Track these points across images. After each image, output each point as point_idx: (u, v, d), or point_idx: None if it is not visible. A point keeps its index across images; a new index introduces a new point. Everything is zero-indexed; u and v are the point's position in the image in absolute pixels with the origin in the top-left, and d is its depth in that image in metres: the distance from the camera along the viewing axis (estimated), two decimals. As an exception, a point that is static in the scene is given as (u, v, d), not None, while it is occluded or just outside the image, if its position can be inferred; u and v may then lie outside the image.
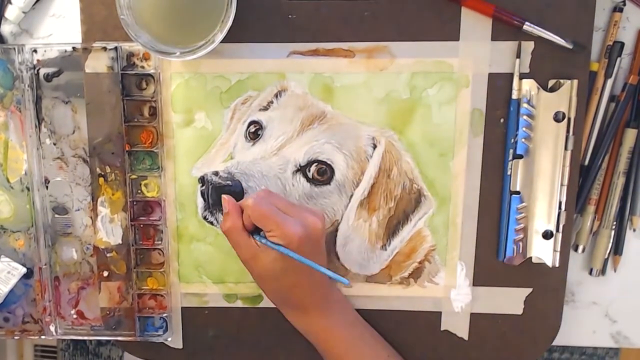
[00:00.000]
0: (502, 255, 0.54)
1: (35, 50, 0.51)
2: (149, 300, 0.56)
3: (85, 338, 0.58)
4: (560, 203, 0.52)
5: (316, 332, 0.52)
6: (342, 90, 0.52)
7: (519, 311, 0.56)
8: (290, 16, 0.51)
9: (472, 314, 0.56)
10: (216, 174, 0.53)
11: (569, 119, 0.51)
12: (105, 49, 0.51)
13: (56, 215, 0.55)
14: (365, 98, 0.52)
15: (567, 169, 0.52)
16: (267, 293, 0.52)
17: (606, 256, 0.56)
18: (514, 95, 0.51)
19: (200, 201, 0.54)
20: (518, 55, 0.50)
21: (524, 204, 0.53)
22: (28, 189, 0.54)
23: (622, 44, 0.52)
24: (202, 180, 0.53)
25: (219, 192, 0.53)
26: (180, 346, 0.58)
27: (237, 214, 0.48)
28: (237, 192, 0.53)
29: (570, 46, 0.49)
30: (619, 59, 0.52)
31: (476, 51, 0.51)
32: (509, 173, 0.52)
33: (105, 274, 0.55)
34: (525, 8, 0.50)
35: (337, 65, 0.52)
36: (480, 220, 0.54)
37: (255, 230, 0.49)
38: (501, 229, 0.53)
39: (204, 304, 0.57)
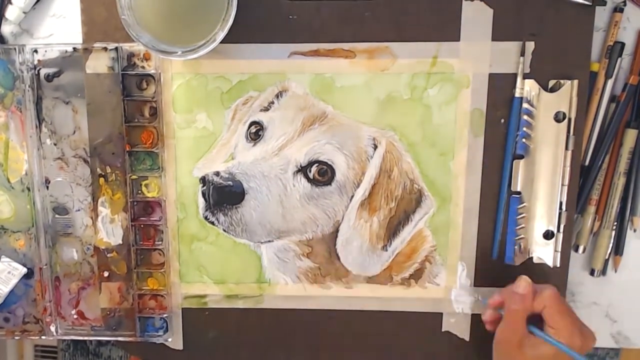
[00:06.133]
0: (495, 254, 0.54)
1: (35, 51, 0.51)
2: (150, 301, 0.56)
3: (86, 338, 0.58)
4: (560, 203, 0.53)
5: None
6: (343, 91, 0.52)
7: (520, 311, 0.55)
8: (291, 17, 0.51)
9: (473, 315, 0.56)
10: (217, 174, 0.53)
11: (569, 119, 0.51)
12: (105, 49, 0.51)
13: (57, 216, 0.55)
14: (366, 98, 0.52)
15: (567, 169, 0.52)
16: None
17: (607, 256, 0.56)
18: (517, 94, 0.51)
19: (201, 201, 0.54)
20: (522, 53, 0.50)
21: (524, 204, 0.53)
22: (29, 189, 0.54)
23: (623, 45, 0.52)
24: (203, 180, 0.53)
25: (220, 192, 0.53)
26: (181, 347, 0.58)
27: (531, 300, 0.48)
28: (238, 193, 0.53)
29: (589, 3, 0.49)
30: (619, 59, 0.52)
31: (476, 51, 0.51)
32: (509, 173, 0.53)
33: (106, 274, 0.55)
34: (525, 8, 0.50)
35: (338, 65, 0.52)
36: (481, 221, 0.54)
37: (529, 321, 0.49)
38: (497, 228, 0.53)
39: (205, 304, 0.57)
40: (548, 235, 0.53)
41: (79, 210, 0.55)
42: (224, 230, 0.54)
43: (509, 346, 0.49)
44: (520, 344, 0.48)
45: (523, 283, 0.49)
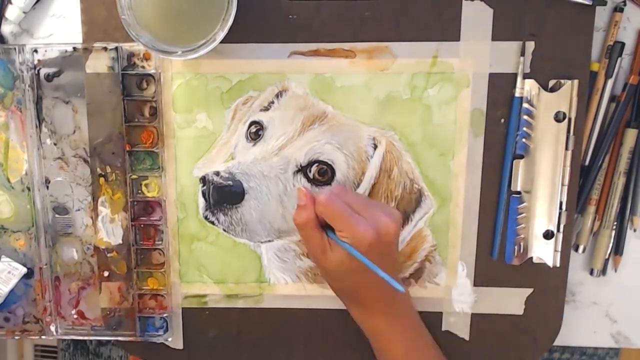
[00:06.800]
0: (495, 254, 0.54)
1: (35, 50, 0.51)
2: (150, 301, 0.56)
3: (86, 338, 0.58)
4: (560, 203, 0.53)
5: (378, 333, 0.51)
6: (343, 91, 0.52)
7: (520, 311, 0.56)
8: (290, 16, 0.51)
9: (473, 315, 0.56)
10: (217, 174, 0.53)
11: (569, 119, 0.51)
12: (105, 49, 0.51)
13: (57, 215, 0.55)
14: (366, 98, 0.52)
15: (567, 169, 0.52)
16: (333, 288, 0.52)
17: (607, 256, 0.56)
18: (517, 93, 0.51)
19: (201, 201, 0.54)
20: (522, 53, 0.50)
21: (524, 204, 0.53)
22: (29, 189, 0.54)
23: (623, 44, 0.52)
24: (203, 180, 0.53)
25: (220, 192, 0.53)
26: (181, 347, 0.58)
27: (312, 208, 0.47)
28: (238, 192, 0.53)
29: (589, 3, 0.49)
30: (619, 59, 0.52)
31: (477, 51, 0.51)
32: (509, 173, 0.52)
33: (106, 274, 0.55)
34: (525, 8, 0.50)
35: (338, 65, 0.52)
36: (481, 220, 0.54)
37: (327, 225, 0.48)
38: (497, 228, 0.53)
39: (205, 304, 0.57)
40: (548, 235, 0.53)
41: (79, 210, 0.55)
42: (224, 230, 0.54)
43: (314, 256, 0.49)
44: (322, 250, 0.47)
45: (299, 194, 0.48)
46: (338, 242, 0.46)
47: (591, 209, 0.55)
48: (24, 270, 0.55)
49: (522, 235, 0.53)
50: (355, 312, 0.52)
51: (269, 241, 0.55)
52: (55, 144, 0.53)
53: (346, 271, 0.47)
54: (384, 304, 0.50)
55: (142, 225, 0.55)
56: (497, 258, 0.54)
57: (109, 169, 0.53)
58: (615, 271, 0.56)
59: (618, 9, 0.51)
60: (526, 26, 0.50)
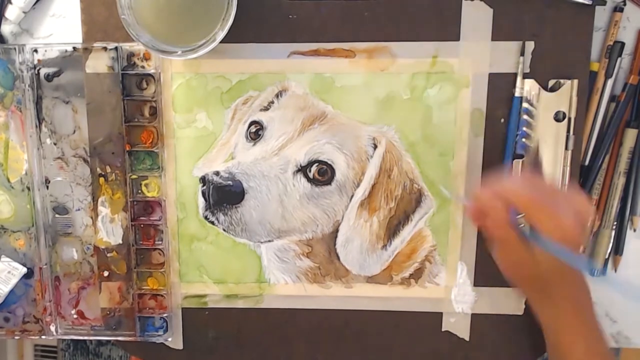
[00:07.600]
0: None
1: (35, 50, 0.51)
2: (149, 301, 0.56)
3: (86, 338, 0.58)
4: (560, 203, 0.52)
5: (560, 324, 0.46)
6: (343, 91, 0.52)
7: (520, 312, 0.56)
8: (290, 16, 0.51)
9: (473, 315, 0.56)
10: (217, 173, 0.53)
11: (569, 119, 0.51)
12: (105, 49, 0.51)
13: (56, 215, 0.55)
14: (366, 98, 0.52)
15: (567, 169, 0.52)
16: (521, 285, 0.47)
17: (607, 256, 0.56)
18: (517, 93, 0.51)
19: (201, 201, 0.54)
20: (522, 53, 0.50)
21: (524, 204, 0.53)
22: (28, 188, 0.54)
23: (623, 44, 0.52)
24: (203, 180, 0.53)
25: (219, 192, 0.53)
26: (181, 347, 0.58)
27: (503, 206, 0.41)
28: (238, 192, 0.53)
29: (589, 2, 0.49)
30: (619, 59, 0.52)
31: (476, 51, 0.51)
32: (509, 172, 0.52)
33: (106, 274, 0.55)
34: (525, 7, 0.50)
35: (338, 65, 0.52)
36: (480, 220, 0.54)
37: (512, 220, 0.41)
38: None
39: (205, 304, 0.57)
40: (548, 235, 0.53)
41: (79, 209, 0.55)
42: (224, 230, 0.54)
43: (518, 266, 0.43)
44: (532, 256, 0.42)
45: (481, 194, 0.42)
46: (545, 245, 0.40)
47: (591, 208, 0.55)
48: (24, 270, 0.55)
49: (522, 235, 0.53)
50: (538, 302, 0.47)
51: (269, 241, 0.55)
52: (55, 144, 0.53)
53: (552, 272, 0.43)
54: (575, 294, 0.46)
55: (142, 225, 0.55)
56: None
57: (109, 169, 0.53)
58: (615, 271, 0.56)
59: (618, 9, 0.51)
60: (526, 26, 0.50)
